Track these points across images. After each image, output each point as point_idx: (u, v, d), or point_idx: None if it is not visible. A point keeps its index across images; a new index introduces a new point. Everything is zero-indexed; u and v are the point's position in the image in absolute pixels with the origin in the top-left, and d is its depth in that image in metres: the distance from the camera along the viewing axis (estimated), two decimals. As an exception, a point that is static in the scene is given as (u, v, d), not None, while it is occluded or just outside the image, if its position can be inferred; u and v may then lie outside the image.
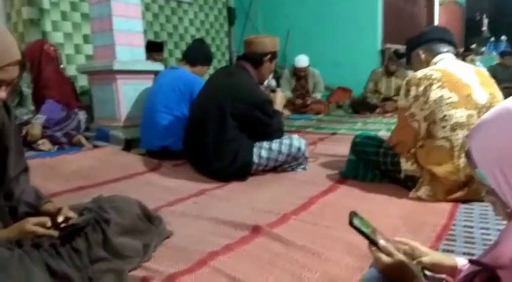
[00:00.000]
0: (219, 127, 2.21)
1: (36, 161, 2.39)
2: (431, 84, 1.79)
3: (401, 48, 4.77)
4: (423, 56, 1.98)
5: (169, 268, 1.22)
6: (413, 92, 1.83)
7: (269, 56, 2.36)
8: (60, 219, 1.10)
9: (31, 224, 1.03)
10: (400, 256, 0.80)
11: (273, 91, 2.66)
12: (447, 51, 1.94)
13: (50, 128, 2.91)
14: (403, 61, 4.68)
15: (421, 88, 1.81)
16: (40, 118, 2.87)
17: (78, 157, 2.70)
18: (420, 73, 1.85)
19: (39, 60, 3.02)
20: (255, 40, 2.35)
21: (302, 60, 5.19)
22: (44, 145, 2.85)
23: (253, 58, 2.35)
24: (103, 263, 1.15)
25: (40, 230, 1.04)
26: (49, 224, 1.07)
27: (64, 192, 2.04)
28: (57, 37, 4.06)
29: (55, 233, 1.07)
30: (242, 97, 2.22)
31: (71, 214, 1.15)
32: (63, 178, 2.27)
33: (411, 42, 2.09)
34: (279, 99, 2.55)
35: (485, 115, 0.68)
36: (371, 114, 4.96)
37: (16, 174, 1.19)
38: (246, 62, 2.37)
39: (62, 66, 3.27)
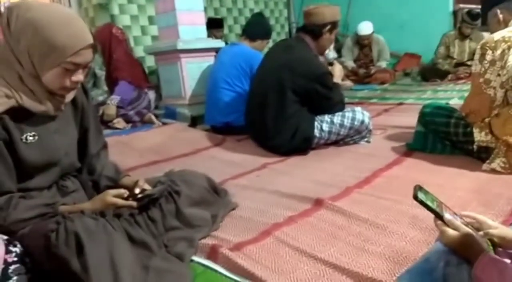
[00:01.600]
0: (279, 102, 2.22)
1: (112, 138, 2.60)
2: (509, 48, 1.64)
3: (476, 8, 4.35)
4: (501, 16, 1.82)
5: (235, 238, 1.29)
6: (489, 56, 1.69)
7: (328, 27, 2.28)
8: (137, 190, 1.20)
9: (110, 195, 1.14)
10: (467, 230, 0.77)
11: (331, 64, 2.59)
12: (528, 10, 1.75)
13: (123, 108, 3.11)
14: (478, 22, 4.27)
15: (498, 51, 1.67)
16: (115, 99, 3.08)
17: (149, 134, 2.88)
18: (497, 35, 1.70)
19: (109, 44, 3.21)
20: (314, 11, 2.28)
21: (365, 28, 4.93)
22: (119, 123, 3.08)
23: (312, 29, 2.30)
24: (176, 232, 1.25)
25: (120, 201, 1.15)
26: (126, 194, 1.17)
27: (139, 166, 2.20)
28: (124, 20, 4.26)
29: (133, 203, 1.18)
30: (301, 71, 2.19)
31: (147, 186, 1.25)
32: (137, 153, 2.45)
33: (487, 1, 1.92)
34: (338, 71, 2.49)
35: None
36: (442, 82, 4.62)
37: (96, 150, 1.31)
38: (305, 34, 2.32)
39: (130, 48, 3.45)
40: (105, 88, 3.30)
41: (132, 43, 4.14)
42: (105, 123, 3.02)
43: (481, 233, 0.81)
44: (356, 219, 1.36)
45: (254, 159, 2.24)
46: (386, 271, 1.05)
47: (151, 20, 4.40)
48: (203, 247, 1.24)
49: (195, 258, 1.20)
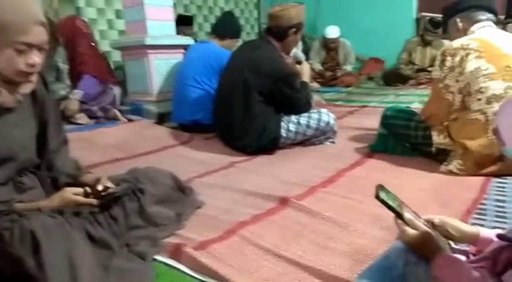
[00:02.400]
0: (244, 102, 2.22)
1: (74, 134, 2.50)
2: (467, 55, 1.72)
3: (438, 16, 4.53)
4: (460, 24, 1.90)
5: (200, 236, 1.28)
6: (448, 62, 1.77)
7: (294, 29, 2.30)
8: (99, 187, 1.16)
9: (70, 193, 1.10)
10: (426, 229, 0.80)
11: (299, 63, 2.61)
12: (486, 19, 1.85)
13: (87, 103, 3.01)
14: (440, 30, 4.46)
15: (457, 58, 1.75)
16: (78, 94, 2.97)
17: (114, 130, 2.80)
18: (456, 42, 1.78)
19: (73, 36, 3.09)
20: (280, 13, 2.27)
21: (332, 31, 5.03)
22: (82, 119, 2.96)
23: (278, 31, 2.30)
24: (139, 230, 1.23)
25: (80, 199, 1.11)
26: (87, 191, 1.13)
27: (102, 163, 2.14)
28: (90, 13, 4.13)
29: (94, 201, 1.14)
30: (266, 71, 2.19)
31: (109, 184, 1.21)
32: (100, 150, 2.38)
33: (448, 10, 2.00)
34: (306, 71, 2.52)
35: None
36: (403, 86, 4.80)
37: (56, 146, 1.26)
38: (270, 36, 2.33)
39: (95, 41, 3.34)
40: (68, 82, 3.17)
41: (97, 37, 4.01)
42: (67, 118, 2.91)
43: (440, 234, 0.83)
44: (320, 218, 1.38)
45: (221, 158, 2.23)
46: (347, 268, 1.08)
47: (118, 14, 4.29)
48: (166, 246, 1.22)
49: (158, 258, 1.18)
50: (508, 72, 1.68)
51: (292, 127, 2.26)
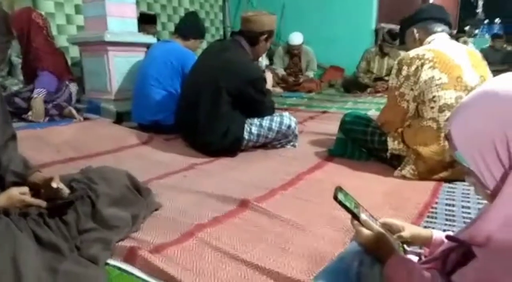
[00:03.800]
0: (212, 102, 2.21)
1: (26, 131, 2.38)
2: (422, 64, 1.79)
3: (395, 28, 4.72)
4: (417, 35, 1.98)
5: (157, 239, 1.24)
6: (404, 72, 1.84)
7: (265, 35, 2.33)
8: (54, 185, 1.09)
9: (17, 192, 1.03)
10: (380, 230, 0.82)
11: (263, 71, 2.65)
12: (441, 31, 1.93)
13: (46, 101, 2.86)
14: (397, 42, 4.65)
15: (413, 68, 1.82)
16: (41, 92, 2.81)
17: (68, 129, 2.68)
18: (412, 52, 1.86)
19: (28, 30, 2.93)
20: (253, 18, 2.30)
21: (296, 38, 5.13)
22: (33, 115, 2.82)
23: (249, 36, 2.32)
24: (91, 233, 1.16)
25: (29, 199, 1.05)
26: (30, 194, 1.07)
27: (54, 163, 2.04)
28: (47, 7, 3.94)
29: (43, 203, 1.08)
30: (238, 72, 2.20)
31: (61, 185, 1.14)
32: (53, 149, 2.27)
33: (406, 20, 2.07)
34: (269, 79, 2.57)
35: (465, 99, 0.68)
36: (362, 94, 4.97)
37: (2, 141, 1.17)
38: (242, 38, 2.34)
39: (51, 36, 3.19)
40: (21, 77, 3.01)
41: (55, 31, 3.84)
42: (17, 114, 2.75)
43: (394, 236, 0.87)
44: (279, 220, 1.38)
45: (181, 159, 2.19)
46: (304, 270, 1.08)
47: (77, 9, 4.13)
48: (120, 249, 1.17)
49: (111, 261, 1.13)
50: (459, 82, 1.77)
51: (254, 129, 2.27)
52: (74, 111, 2.98)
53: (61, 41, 3.83)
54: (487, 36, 6.77)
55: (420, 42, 1.95)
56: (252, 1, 6.29)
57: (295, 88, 5.22)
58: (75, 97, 3.15)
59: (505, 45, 5.93)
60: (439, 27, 1.94)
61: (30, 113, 2.80)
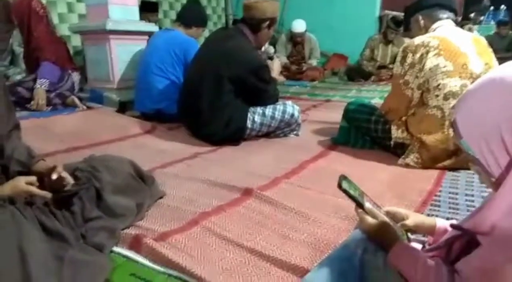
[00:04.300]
0: (215, 91, 2.20)
1: (29, 121, 2.38)
2: (427, 52, 1.78)
3: (400, 15, 4.67)
4: (422, 22, 1.95)
5: (161, 227, 1.25)
6: (409, 59, 1.82)
7: (267, 22, 2.30)
8: (54, 176, 1.10)
9: (23, 182, 1.04)
10: (384, 218, 0.82)
11: (271, 58, 2.63)
12: (447, 18, 1.91)
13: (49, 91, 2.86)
14: (402, 29, 4.60)
15: (418, 55, 1.80)
16: (44, 82, 2.80)
17: (72, 118, 2.69)
18: (417, 40, 1.83)
19: (28, 19, 2.91)
20: (255, 5, 2.27)
21: (299, 25, 5.07)
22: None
23: (252, 23, 2.30)
24: (97, 221, 1.17)
25: (34, 190, 1.05)
26: (37, 183, 1.07)
27: (58, 152, 2.04)
28: (48, -6, 3.92)
29: (48, 194, 1.08)
30: (240, 61, 2.19)
31: (64, 174, 1.14)
32: (56, 138, 2.27)
33: (411, 7, 2.05)
34: (277, 67, 2.54)
35: (470, 87, 0.68)
36: (365, 82, 4.93)
37: (6, 130, 1.18)
38: (244, 26, 2.32)
39: (52, 25, 3.17)
40: (24, 66, 3.00)
41: (56, 20, 3.81)
42: (20, 104, 2.75)
43: (398, 224, 0.87)
44: (283, 208, 1.39)
45: (185, 148, 2.19)
46: (308, 257, 1.09)
47: (78, -4, 4.09)
48: (125, 237, 1.18)
49: (116, 249, 1.14)
50: (464, 70, 1.75)
51: (257, 118, 2.27)
52: (77, 101, 2.98)
53: (63, 30, 3.81)
54: (492, 23, 6.68)
55: (425, 29, 1.92)
56: (254, -12, 6.21)
57: (298, 77, 5.18)
58: (78, 86, 3.14)
59: (510, 32, 5.86)
60: (444, 14, 1.91)
61: (32, 103, 2.80)
